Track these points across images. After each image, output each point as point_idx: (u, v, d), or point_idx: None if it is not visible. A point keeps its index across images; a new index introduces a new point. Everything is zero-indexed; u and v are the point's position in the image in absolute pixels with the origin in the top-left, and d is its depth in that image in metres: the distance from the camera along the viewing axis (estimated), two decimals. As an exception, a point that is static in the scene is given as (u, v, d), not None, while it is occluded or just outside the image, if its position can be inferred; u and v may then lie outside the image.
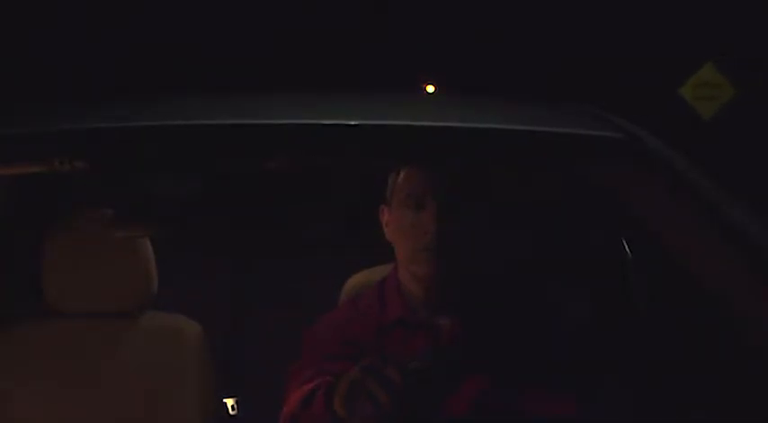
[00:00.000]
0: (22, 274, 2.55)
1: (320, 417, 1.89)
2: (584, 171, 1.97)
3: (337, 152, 1.94)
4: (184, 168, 2.23)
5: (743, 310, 1.76)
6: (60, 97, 2.21)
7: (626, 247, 2.43)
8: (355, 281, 2.38)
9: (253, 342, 2.99)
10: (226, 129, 1.88)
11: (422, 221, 2.06)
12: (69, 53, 4.53)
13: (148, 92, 2.16)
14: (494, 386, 1.99)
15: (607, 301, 2.42)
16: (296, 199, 3.22)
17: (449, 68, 4.50)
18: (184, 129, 1.88)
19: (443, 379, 1.90)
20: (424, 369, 1.82)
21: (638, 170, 1.90)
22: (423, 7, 4.73)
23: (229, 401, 2.65)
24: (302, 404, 1.95)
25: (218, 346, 2.44)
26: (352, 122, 1.88)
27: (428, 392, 1.84)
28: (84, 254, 2.38)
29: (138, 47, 4.55)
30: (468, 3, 4.86)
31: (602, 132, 1.96)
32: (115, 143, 1.87)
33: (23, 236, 2.59)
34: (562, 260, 2.63)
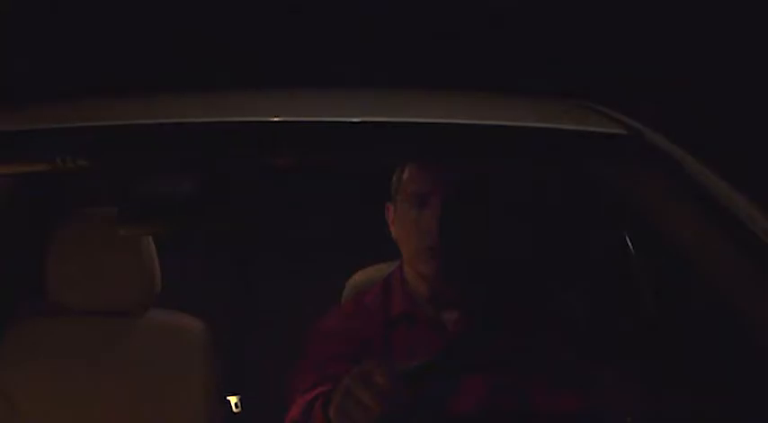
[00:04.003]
0: (25, 273, 2.55)
1: None
2: (587, 167, 1.97)
3: (339, 150, 1.93)
4: (186, 167, 2.22)
5: (746, 308, 1.76)
6: (60, 96, 2.21)
7: (629, 243, 2.43)
8: (359, 277, 2.38)
9: (255, 339, 2.99)
10: (227, 127, 1.87)
11: (426, 220, 2.06)
12: (68, 52, 4.52)
13: (148, 90, 2.16)
14: (499, 383, 1.99)
15: (611, 298, 2.42)
16: (297, 197, 3.22)
17: (448, 65, 4.49)
18: (186, 127, 1.87)
19: (443, 379, 1.90)
20: (423, 370, 1.82)
21: (640, 166, 1.90)
22: (421, 4, 4.72)
23: (233, 399, 2.64)
24: (302, 414, 1.96)
25: (221, 344, 2.44)
26: (355, 120, 1.88)
27: (427, 393, 1.84)
28: (86, 252, 2.37)
29: (137, 45, 4.54)
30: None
31: (604, 128, 1.96)
32: (117, 141, 1.87)
33: (26, 235, 2.59)
34: (565, 257, 2.62)
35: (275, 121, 1.88)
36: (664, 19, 4.70)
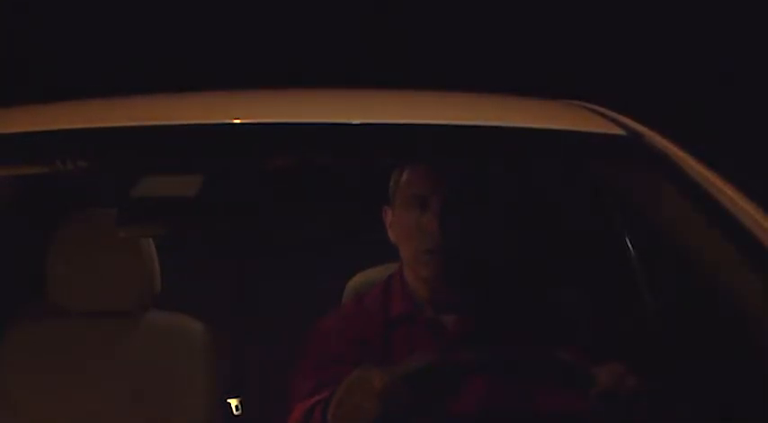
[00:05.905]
0: (25, 273, 2.55)
1: None
2: (587, 168, 1.98)
3: (338, 151, 1.93)
4: (186, 168, 2.22)
5: (746, 308, 1.76)
6: (60, 97, 2.21)
7: (629, 243, 2.43)
8: (359, 280, 2.38)
9: (256, 340, 2.99)
10: (227, 128, 1.88)
11: (426, 222, 2.05)
12: (69, 52, 4.54)
13: (148, 91, 2.16)
14: (499, 383, 1.99)
15: (611, 297, 2.42)
16: (297, 198, 3.22)
17: (447, 66, 4.49)
18: (185, 128, 1.88)
19: (443, 379, 1.89)
20: (423, 370, 1.82)
21: (640, 167, 1.90)
22: (420, 4, 4.72)
23: (233, 401, 2.64)
24: (303, 418, 1.96)
25: (221, 345, 2.44)
26: (354, 122, 1.88)
27: (427, 393, 1.83)
28: (86, 252, 2.37)
29: (137, 44, 4.55)
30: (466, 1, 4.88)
31: (604, 130, 1.96)
32: (117, 142, 1.87)
33: (26, 235, 2.59)
34: (565, 258, 2.62)
35: (275, 123, 1.88)
36: (665, 20, 4.71)
